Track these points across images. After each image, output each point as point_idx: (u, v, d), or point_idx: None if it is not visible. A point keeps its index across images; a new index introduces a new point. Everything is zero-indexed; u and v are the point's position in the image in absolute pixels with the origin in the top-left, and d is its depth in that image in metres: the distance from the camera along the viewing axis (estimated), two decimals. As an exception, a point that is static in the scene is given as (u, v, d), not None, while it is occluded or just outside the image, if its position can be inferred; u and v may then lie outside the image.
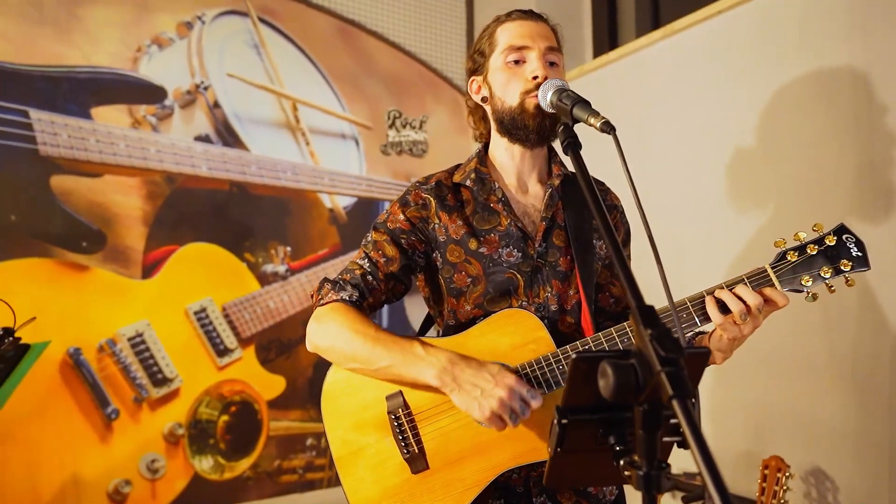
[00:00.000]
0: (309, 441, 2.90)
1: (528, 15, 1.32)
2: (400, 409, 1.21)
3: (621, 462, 0.72)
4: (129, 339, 2.57)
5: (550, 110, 1.17)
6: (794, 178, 1.96)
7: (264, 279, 2.85)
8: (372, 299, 1.28)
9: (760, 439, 2.00)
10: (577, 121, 1.02)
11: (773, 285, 1.11)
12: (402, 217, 1.31)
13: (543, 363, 1.17)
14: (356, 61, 3.14)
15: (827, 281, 1.08)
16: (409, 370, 1.17)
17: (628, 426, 0.76)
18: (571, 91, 1.09)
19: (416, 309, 3.22)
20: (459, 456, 1.18)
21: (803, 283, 1.08)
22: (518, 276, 1.27)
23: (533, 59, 1.27)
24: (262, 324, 2.82)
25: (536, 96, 1.23)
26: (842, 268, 1.07)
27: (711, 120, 2.22)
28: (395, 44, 3.25)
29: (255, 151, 2.86)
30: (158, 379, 2.61)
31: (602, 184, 1.47)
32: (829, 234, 1.09)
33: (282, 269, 2.89)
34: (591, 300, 1.28)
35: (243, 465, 2.76)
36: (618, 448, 0.75)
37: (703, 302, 1.11)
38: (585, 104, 1.02)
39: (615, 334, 1.16)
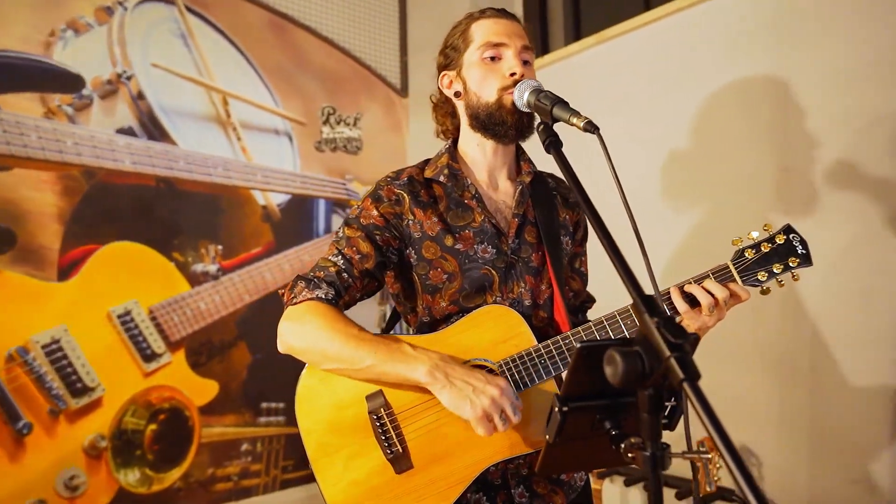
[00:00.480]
0: (244, 446, 2.80)
1: (503, 13, 1.35)
2: (382, 409, 1.19)
3: (622, 445, 0.75)
4: (44, 347, 2.38)
5: (526, 109, 1.20)
6: (721, 179, 2.11)
7: (194, 279, 2.72)
8: (347, 297, 1.26)
9: (692, 421, 2.13)
10: (556, 120, 1.05)
11: (734, 280, 1.19)
12: (375, 213, 1.29)
13: (526, 358, 1.19)
14: (289, 56, 3.07)
15: (778, 276, 1.18)
16: (398, 368, 1.15)
17: (622, 411, 0.81)
18: (549, 91, 1.12)
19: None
20: (444, 453, 1.18)
21: (759, 278, 1.17)
22: (493, 272, 1.29)
23: (510, 56, 1.29)
24: (192, 326, 2.70)
25: (511, 93, 1.25)
26: (790, 264, 1.17)
27: (643, 125, 2.34)
28: (329, 39, 3.20)
29: (184, 146, 2.72)
30: (77, 388, 2.43)
31: (562, 181, 1.51)
32: (779, 233, 1.20)
33: (213, 268, 2.77)
34: (565, 294, 1.32)
35: (173, 476, 2.62)
36: (614, 433, 0.79)
37: (670, 296, 1.18)
38: (565, 104, 1.05)
39: (594, 328, 1.19)
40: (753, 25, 2.06)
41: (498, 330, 1.22)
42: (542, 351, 1.19)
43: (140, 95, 2.64)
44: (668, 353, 0.64)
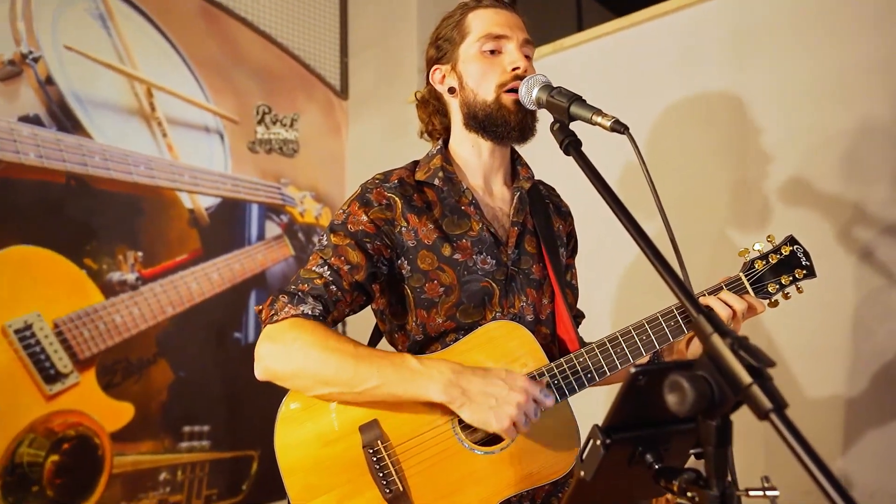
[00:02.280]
0: (162, 476, 2.52)
1: (502, 4, 1.25)
2: (378, 442, 1.04)
3: (674, 482, 0.65)
4: (-78, 366, 2.03)
5: (532, 107, 1.10)
6: (678, 191, 2.11)
7: (109, 289, 2.43)
8: (336, 313, 1.11)
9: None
10: (573, 119, 0.95)
11: (747, 292, 1.14)
12: (364, 218, 1.15)
13: (538, 380, 1.08)
14: (223, 49, 2.84)
15: (786, 288, 1.14)
16: (407, 388, 1.01)
17: (663, 442, 0.71)
18: (562, 87, 1.02)
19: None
20: (448, 490, 1.04)
21: (770, 290, 1.13)
22: (493, 284, 1.17)
23: (512, 49, 1.19)
24: (105, 342, 2.40)
25: (515, 91, 1.16)
26: (797, 276, 1.14)
27: (597, 137, 2.31)
28: (266, 34, 3.00)
29: (101, 140, 2.44)
30: (-37, 414, 2.09)
31: (552, 189, 1.43)
32: (784, 243, 1.16)
33: (131, 277, 2.49)
34: (571, 309, 1.22)
35: (79, 512, 2.31)
36: (657, 466, 0.69)
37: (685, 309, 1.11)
38: (583, 101, 0.96)
39: (609, 346, 1.09)
40: (707, 40, 2.08)
41: (505, 349, 1.10)
42: (556, 371, 1.08)
43: (49, 80, 2.34)
44: (748, 379, 0.55)
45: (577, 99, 0.96)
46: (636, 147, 0.86)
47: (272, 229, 2.97)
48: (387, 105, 3.14)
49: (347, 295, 1.11)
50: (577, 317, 1.41)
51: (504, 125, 1.18)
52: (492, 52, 1.20)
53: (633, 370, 0.63)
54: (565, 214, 1.38)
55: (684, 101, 2.12)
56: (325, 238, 1.16)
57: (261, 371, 1.06)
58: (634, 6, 2.29)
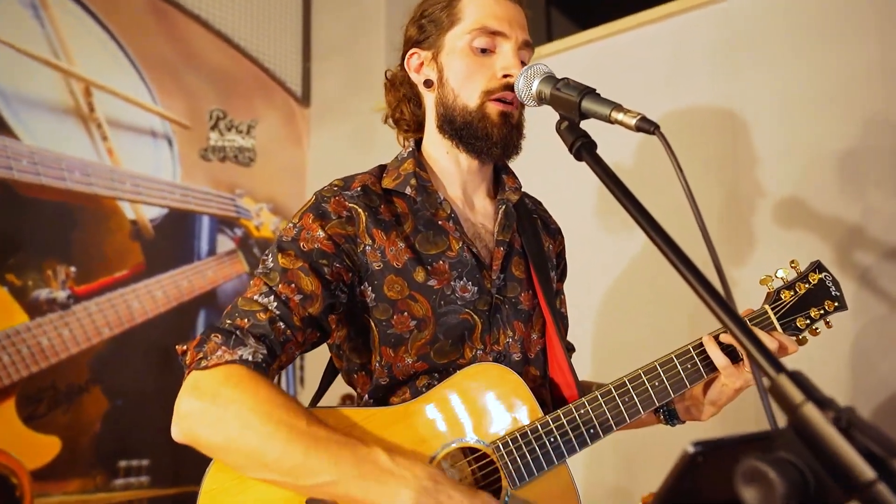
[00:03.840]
0: (92, 518, 2.25)
1: None
2: None
3: None
4: None
5: (532, 103, 0.93)
6: (666, 206, 1.98)
7: (35, 308, 2.17)
8: (284, 357, 0.91)
9: (633, 475, 1.95)
10: (585, 117, 0.79)
11: (775, 329, 1.00)
12: (320, 234, 0.96)
13: (531, 437, 0.90)
14: (174, 48, 2.62)
15: (815, 323, 1.00)
16: (369, 490, 0.81)
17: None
18: (569, 79, 0.85)
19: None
20: None
21: (798, 325, 0.99)
22: (474, 316, 0.99)
23: (507, 51, 1.02)
24: (28, 368, 2.13)
25: (503, 102, 1.00)
26: (827, 308, 1.00)
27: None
28: (222, 34, 2.79)
29: (29, 141, 2.19)
30: None
31: (539, 203, 1.26)
32: (812, 271, 1.03)
33: (62, 295, 2.23)
34: (567, 346, 1.05)
35: (-9, 564, 2.02)
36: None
37: (703, 347, 0.96)
38: (597, 95, 0.80)
39: (616, 394, 0.92)
40: (696, 49, 1.97)
41: (490, 399, 0.92)
42: (552, 427, 0.90)
43: (-29, 74, 2.09)
44: (870, 474, 0.40)
45: (590, 92, 0.80)
46: (670, 150, 0.71)
47: (225, 244, 2.74)
48: (352, 113, 2.96)
49: (298, 333, 0.91)
50: (569, 350, 1.25)
51: (484, 139, 1.01)
52: (483, 50, 1.02)
53: (689, 447, 0.47)
54: (555, 232, 1.22)
55: (673, 112, 2.00)
56: (271, 259, 0.96)
57: (180, 433, 0.85)
58: (602, 19, 2.18)
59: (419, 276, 0.98)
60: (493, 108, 1.01)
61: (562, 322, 1.19)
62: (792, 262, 1.04)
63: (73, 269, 2.26)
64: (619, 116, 0.75)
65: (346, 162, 2.96)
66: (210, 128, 2.74)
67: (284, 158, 3.02)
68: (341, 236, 0.97)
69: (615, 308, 2.04)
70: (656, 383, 0.93)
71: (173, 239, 2.56)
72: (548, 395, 1.04)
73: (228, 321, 0.90)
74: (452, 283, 0.99)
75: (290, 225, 0.99)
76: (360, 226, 0.99)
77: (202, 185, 2.68)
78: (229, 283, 2.73)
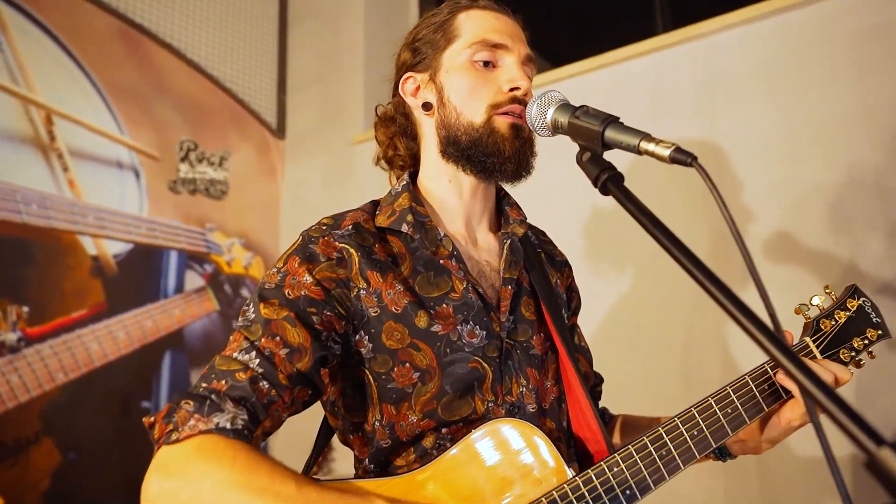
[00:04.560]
0: (38, 586, 2.03)
1: (503, 9, 1.01)
2: None
3: None
4: None
5: (545, 133, 0.86)
6: (650, 247, 1.93)
7: (-18, 353, 1.99)
8: (269, 422, 0.79)
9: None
10: (608, 147, 0.72)
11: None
12: (308, 279, 0.86)
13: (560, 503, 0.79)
14: (142, 76, 2.52)
15: (859, 354, 0.93)
16: None
17: None
18: (587, 106, 0.77)
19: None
20: None
21: (843, 357, 0.92)
22: (484, 364, 0.89)
23: (511, 64, 0.95)
24: (-28, 418, 1.94)
25: (511, 115, 0.92)
26: (870, 338, 0.93)
27: (568, 180, 2.14)
28: (195, 64, 2.70)
29: (-17, 172, 2.05)
30: None
31: (542, 233, 1.18)
32: (850, 296, 0.96)
33: (12, 337, 2.05)
34: (590, 394, 0.95)
35: None
36: None
37: (770, 378, 0.88)
38: (622, 124, 0.72)
39: (651, 447, 0.81)
40: (676, 87, 1.95)
41: (510, 460, 0.81)
42: (584, 489, 0.80)
43: (-79, 100, 1.95)
44: None
45: (614, 121, 0.73)
46: (711, 183, 0.63)
47: (194, 280, 2.60)
48: (328, 146, 2.88)
49: (285, 393, 0.80)
50: (597, 385, 1.15)
51: (495, 155, 0.93)
52: (485, 63, 0.96)
53: None
54: (561, 265, 1.13)
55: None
56: (252, 309, 0.85)
57: None
58: (573, 57, 2.16)
59: (421, 321, 0.88)
60: (503, 121, 0.94)
61: (584, 359, 1.10)
62: (826, 287, 0.97)
63: (25, 309, 2.09)
64: (650, 147, 0.68)
65: (321, 195, 2.87)
66: (180, 159, 2.62)
67: (258, 191, 2.91)
68: (332, 280, 0.87)
69: (607, 350, 1.96)
70: (695, 432, 0.84)
71: (138, 276, 2.41)
72: (565, 448, 0.94)
73: (203, 384, 0.78)
74: (458, 327, 0.90)
75: (274, 270, 0.89)
76: (353, 268, 0.89)
77: (171, 218, 2.55)
78: (198, 323, 2.58)
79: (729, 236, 1.80)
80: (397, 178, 1.06)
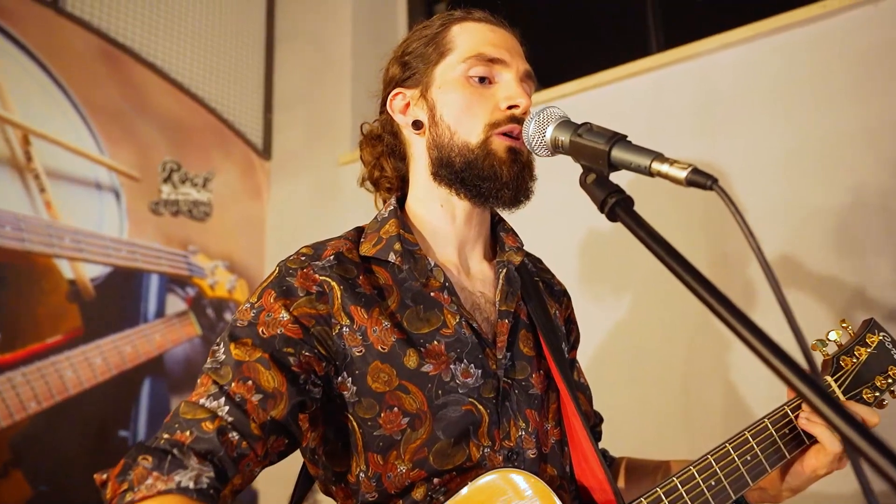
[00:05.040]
0: None
1: (499, 21, 0.96)
2: None
3: None
4: None
5: (544, 153, 0.80)
6: (649, 270, 1.89)
7: (-51, 382, 1.89)
8: (239, 479, 0.72)
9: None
10: (615, 168, 0.67)
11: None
12: (284, 316, 0.79)
13: None
14: (124, 95, 2.46)
15: (883, 394, 0.88)
16: None
17: None
18: (591, 123, 0.72)
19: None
20: None
21: (866, 397, 0.86)
22: (479, 407, 0.83)
23: (509, 80, 0.90)
24: (-64, 452, 1.84)
25: (509, 136, 0.87)
26: (893, 376, 0.88)
27: (564, 200, 2.10)
28: (178, 83, 2.65)
29: (-46, 193, 1.97)
30: None
31: (539, 261, 1.12)
32: (868, 331, 0.91)
33: (-18, 365, 1.96)
34: (594, 436, 0.89)
35: None
36: None
37: (791, 422, 0.83)
38: (629, 142, 0.67)
39: (665, 500, 0.75)
40: (673, 107, 1.93)
41: None
42: None
43: None
44: None
45: (621, 139, 0.67)
46: (735, 208, 0.59)
47: (175, 304, 2.52)
48: (314, 166, 2.83)
49: (258, 444, 0.73)
50: (595, 426, 1.08)
51: (492, 179, 0.87)
52: (481, 79, 0.90)
53: None
54: (560, 295, 1.07)
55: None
56: (223, 350, 0.78)
57: None
58: (563, 77, 2.14)
59: (410, 361, 0.81)
60: (500, 143, 0.88)
61: (584, 396, 1.03)
62: (842, 321, 0.93)
63: (-3, 335, 2.00)
64: (664, 168, 0.62)
65: (307, 216, 2.81)
66: (162, 180, 2.55)
67: (242, 213, 2.85)
68: (311, 317, 0.80)
69: (605, 376, 1.91)
70: (712, 483, 0.78)
71: (117, 300, 2.33)
72: (568, 498, 0.87)
73: (165, 436, 0.71)
74: (451, 366, 0.82)
75: (247, 306, 0.82)
76: (335, 303, 0.82)
77: (152, 241, 2.47)
78: (179, 348, 2.49)
79: (729, 259, 1.76)
80: (384, 202, 1.00)
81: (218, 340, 0.80)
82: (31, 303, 2.10)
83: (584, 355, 2.00)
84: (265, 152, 2.98)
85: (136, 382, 2.34)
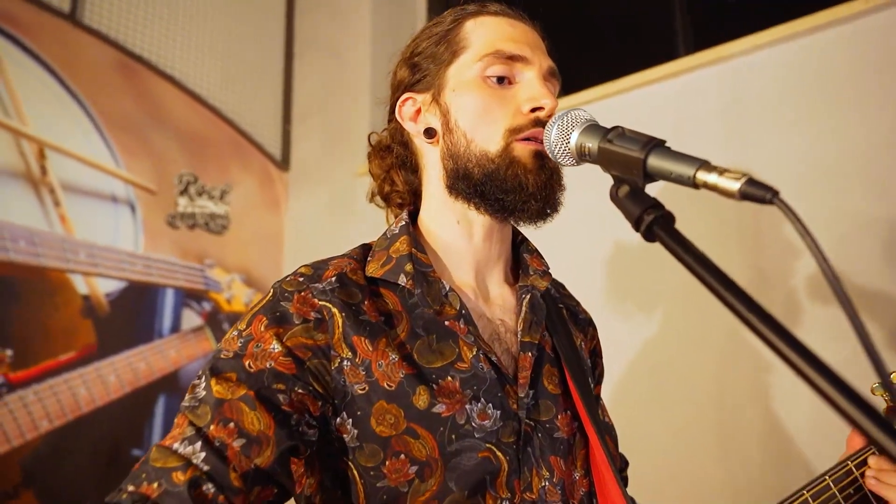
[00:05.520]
0: None
1: (518, 14, 0.86)
2: None
3: None
4: None
5: (568, 161, 0.70)
6: (680, 285, 1.78)
7: (-40, 400, 1.87)
8: None
9: None
10: (651, 179, 0.57)
11: None
12: (276, 347, 0.70)
13: None
14: (141, 107, 2.44)
15: None
16: None
17: None
18: (622, 127, 0.62)
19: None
20: None
21: None
22: (498, 454, 0.72)
23: (532, 79, 0.80)
24: (-54, 472, 1.81)
25: (533, 139, 0.77)
26: None
27: (588, 209, 2.00)
28: (196, 94, 2.63)
29: (-32, 208, 1.95)
30: None
31: (562, 287, 1.01)
32: None
33: (-6, 383, 1.94)
34: (623, 486, 0.79)
35: None
36: None
37: (857, 481, 0.74)
38: (669, 149, 0.57)
39: None
40: (703, 111, 1.83)
41: None
42: None
43: None
44: None
45: (658, 145, 0.57)
46: (800, 223, 0.49)
47: (191, 319, 2.48)
48: (334, 177, 2.77)
49: (238, 498, 0.63)
50: (621, 470, 0.98)
51: (516, 191, 0.77)
52: (500, 80, 0.80)
53: None
54: (585, 324, 0.96)
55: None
56: (203, 385, 0.69)
57: None
58: (585, 83, 2.05)
59: (420, 400, 0.71)
60: (524, 149, 0.78)
61: (610, 439, 0.93)
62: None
63: (9, 352, 1.97)
64: (711, 178, 0.52)
65: (325, 227, 2.76)
66: (179, 193, 2.52)
67: (260, 225, 2.80)
68: (307, 348, 0.71)
69: (631, 401, 1.80)
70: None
71: (131, 315, 2.29)
72: None
73: (130, 488, 0.62)
74: (467, 406, 0.72)
75: (234, 334, 0.72)
76: (336, 332, 0.72)
77: (167, 254, 2.44)
78: (194, 364, 2.44)
79: (766, 275, 1.65)
80: (395, 217, 0.92)
81: (200, 373, 0.71)
82: (45, 319, 2.07)
83: (609, 376, 1.89)
84: (283, 163, 2.94)
85: (150, 400, 2.30)
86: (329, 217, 2.77)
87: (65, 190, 2.18)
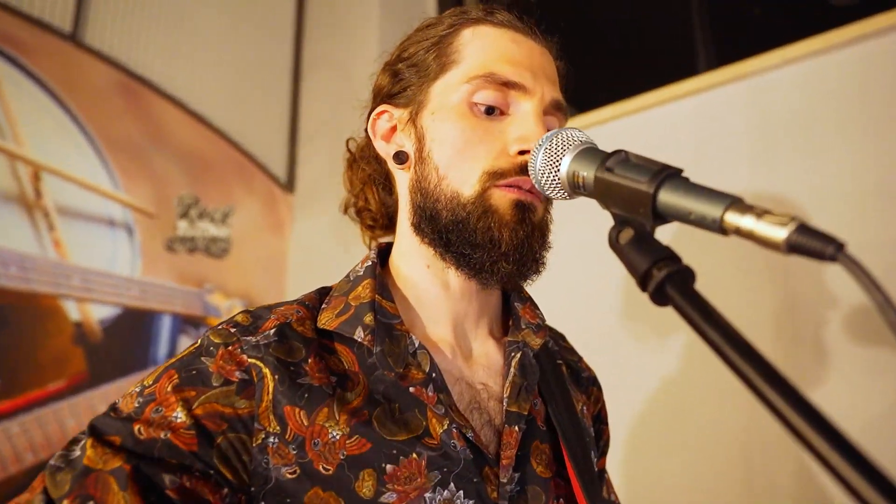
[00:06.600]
0: None
1: (527, 28, 0.72)
2: None
3: None
4: None
5: (559, 194, 0.59)
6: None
7: (-59, 432, 1.79)
8: None
9: None
10: (662, 220, 0.45)
11: None
12: (180, 416, 0.58)
13: None
14: (142, 128, 2.38)
15: None
16: None
17: None
18: (626, 151, 0.51)
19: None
20: None
21: None
22: None
23: (527, 112, 0.67)
24: (-77, 509, 1.73)
25: (516, 187, 0.65)
26: None
27: (599, 222, 1.88)
28: (200, 115, 2.57)
29: (-43, 232, 1.89)
30: None
31: (561, 337, 0.87)
32: None
33: (-22, 414, 1.86)
34: None
35: None
36: None
37: None
38: (687, 180, 0.45)
39: None
40: (729, 133, 1.70)
41: None
42: None
43: None
44: None
45: (673, 175, 0.45)
46: (870, 280, 0.37)
47: (188, 346, 2.38)
48: (340, 199, 2.68)
49: None
50: None
51: (487, 248, 0.64)
52: (489, 109, 0.67)
53: None
54: (587, 384, 0.82)
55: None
56: (81, 444, 0.57)
57: None
58: (599, 101, 1.94)
59: (364, 487, 0.58)
60: (503, 198, 0.65)
61: None
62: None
63: (-6, 381, 1.89)
64: (746, 222, 0.40)
65: (331, 251, 2.66)
66: (179, 216, 2.45)
67: (263, 249, 2.72)
68: (223, 419, 0.58)
69: (647, 442, 1.65)
70: None
71: (125, 342, 2.21)
72: None
73: None
74: (427, 496, 0.59)
75: (136, 390, 0.61)
76: (264, 399, 0.59)
77: (165, 279, 2.36)
78: (190, 393, 2.35)
79: (797, 307, 1.50)
80: (370, 239, 0.80)
81: (77, 437, 0.60)
82: (34, 346, 2.00)
83: (623, 417, 1.74)
84: (289, 185, 2.86)
85: (143, 430, 2.20)
86: (335, 240, 2.68)
87: (60, 213, 2.12)
